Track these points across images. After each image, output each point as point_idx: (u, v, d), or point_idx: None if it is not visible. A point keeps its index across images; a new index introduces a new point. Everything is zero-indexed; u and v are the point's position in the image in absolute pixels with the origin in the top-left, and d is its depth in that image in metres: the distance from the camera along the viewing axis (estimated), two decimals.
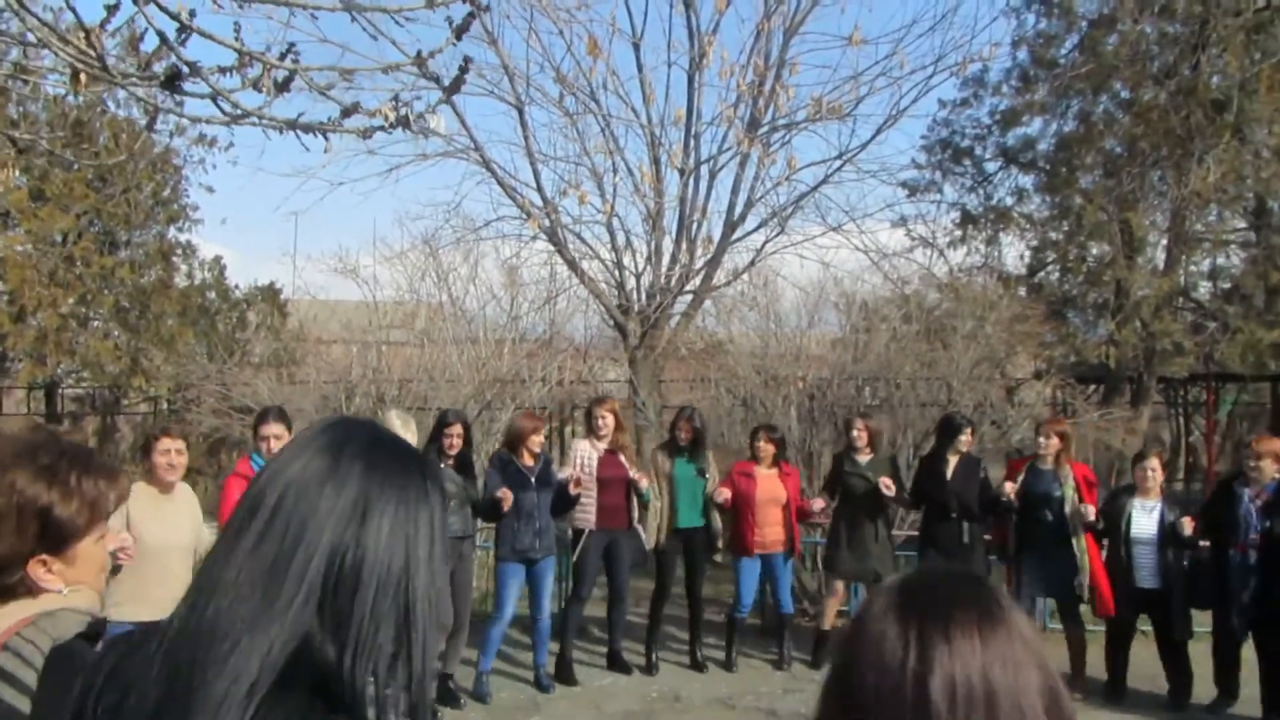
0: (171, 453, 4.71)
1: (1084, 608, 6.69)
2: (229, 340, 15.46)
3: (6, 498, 1.53)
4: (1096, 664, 6.75)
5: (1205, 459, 16.07)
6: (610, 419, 6.95)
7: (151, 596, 4.25)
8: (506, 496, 6.20)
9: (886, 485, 6.98)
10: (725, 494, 7.05)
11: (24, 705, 1.40)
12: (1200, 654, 6.48)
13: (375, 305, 11.71)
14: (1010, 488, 6.70)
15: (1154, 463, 6.52)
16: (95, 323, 14.88)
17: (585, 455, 6.88)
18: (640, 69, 11.54)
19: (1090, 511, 6.44)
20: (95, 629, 1.54)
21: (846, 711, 0.93)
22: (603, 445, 6.90)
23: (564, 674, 6.86)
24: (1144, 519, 6.39)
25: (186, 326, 14.84)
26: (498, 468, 6.50)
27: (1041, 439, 6.78)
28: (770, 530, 7.09)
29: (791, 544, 7.24)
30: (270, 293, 16.71)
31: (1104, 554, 6.62)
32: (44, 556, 1.55)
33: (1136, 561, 6.35)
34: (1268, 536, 5.94)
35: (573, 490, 6.49)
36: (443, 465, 6.19)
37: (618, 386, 13.23)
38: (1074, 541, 6.51)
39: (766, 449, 7.14)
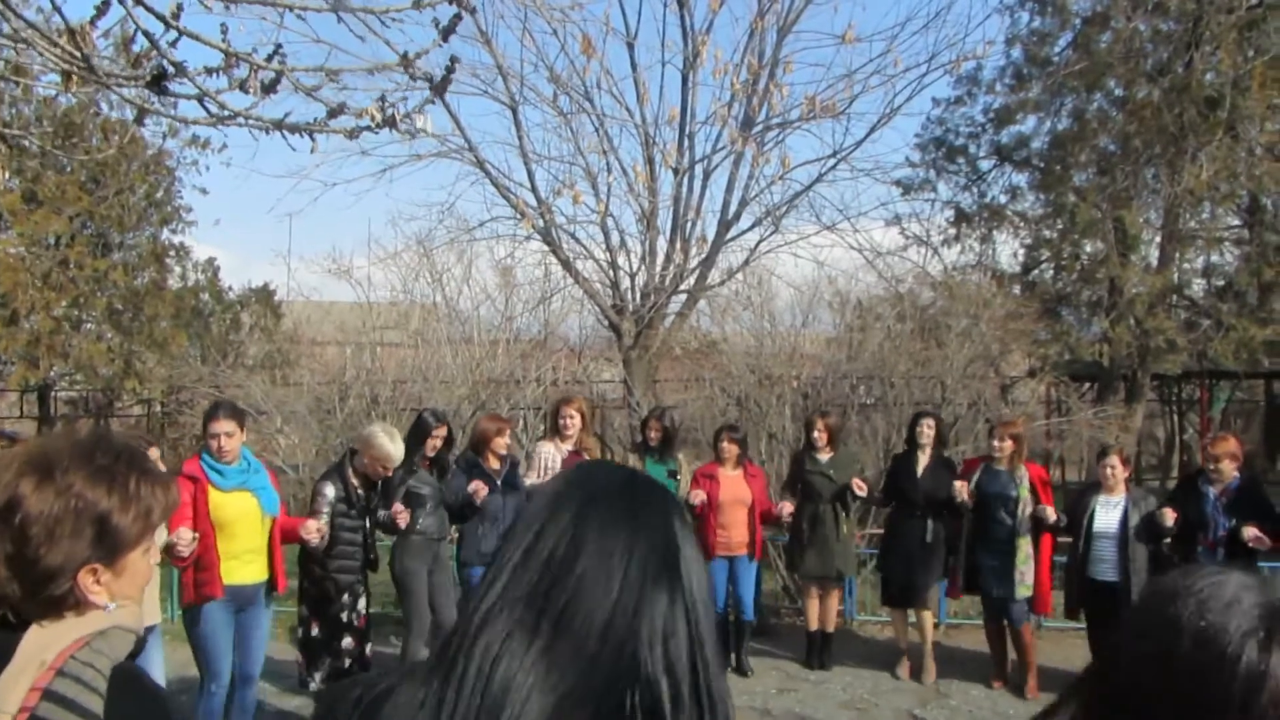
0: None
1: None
2: (222, 342, 15.46)
3: (64, 500, 1.42)
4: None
5: (1199, 456, 16.08)
6: (577, 419, 6.78)
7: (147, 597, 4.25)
8: (480, 489, 6.01)
9: (859, 486, 6.94)
10: (701, 495, 6.89)
11: None
12: None
13: (369, 306, 11.71)
14: (961, 486, 6.72)
15: (1114, 459, 6.55)
16: (88, 325, 14.84)
17: (549, 457, 6.68)
18: (634, 68, 11.54)
19: (1050, 513, 6.48)
20: (139, 647, 1.48)
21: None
22: (567, 446, 6.72)
23: None
24: (1106, 514, 6.43)
25: (180, 329, 14.81)
26: (464, 470, 6.30)
27: (995, 441, 6.81)
28: (735, 531, 6.96)
29: (754, 546, 7.06)
30: (264, 294, 16.69)
31: (1067, 552, 6.67)
32: (95, 566, 1.45)
33: (1096, 554, 6.39)
34: (1231, 534, 6.01)
35: (478, 500, 6.07)
36: (418, 468, 6.02)
37: (612, 387, 13.23)
38: (1020, 541, 6.55)
39: (730, 449, 7.04)
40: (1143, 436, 15.19)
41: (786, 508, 7.08)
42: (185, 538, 4.58)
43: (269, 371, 12.05)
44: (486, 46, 10.91)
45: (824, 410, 7.96)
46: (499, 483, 6.26)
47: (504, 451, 6.40)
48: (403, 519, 5.71)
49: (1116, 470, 6.51)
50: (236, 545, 4.91)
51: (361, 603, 5.54)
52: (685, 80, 11.53)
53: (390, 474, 5.61)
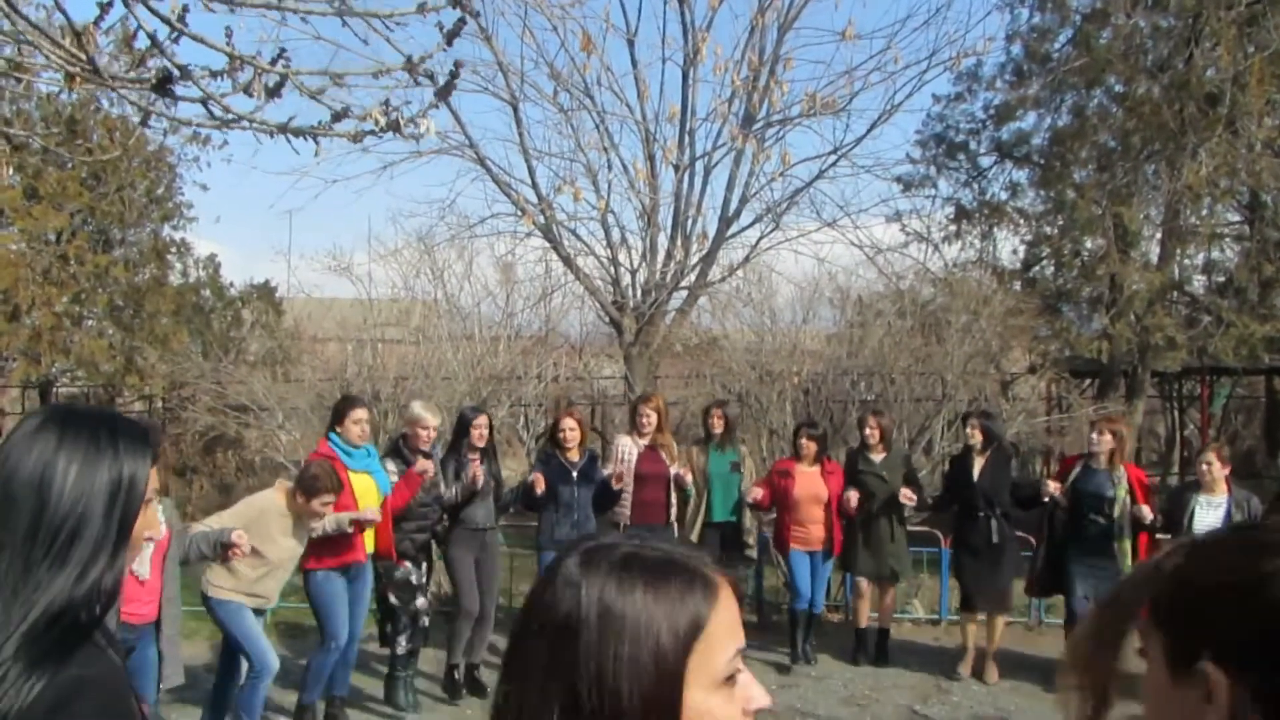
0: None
1: None
2: (224, 339, 15.47)
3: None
4: None
5: (1199, 453, 16.09)
6: (654, 417, 7.02)
7: None
8: (538, 480, 6.45)
9: (908, 498, 6.95)
10: (757, 493, 7.04)
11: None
12: None
13: (370, 303, 11.70)
14: (1055, 486, 6.55)
15: (1210, 456, 6.30)
16: (89, 321, 14.85)
17: (626, 451, 6.99)
18: (635, 65, 11.54)
19: (1146, 512, 6.28)
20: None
21: None
22: (644, 442, 7.00)
23: None
24: (1208, 515, 6.15)
25: (181, 325, 14.82)
26: (541, 461, 6.76)
27: (1095, 435, 6.61)
28: (813, 529, 7.08)
29: (832, 543, 7.15)
30: (265, 291, 16.70)
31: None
32: None
33: None
34: None
35: (615, 485, 6.62)
36: (471, 457, 6.43)
37: (613, 383, 13.24)
38: (1117, 544, 6.38)
39: (809, 447, 7.09)
40: (1144, 433, 15.19)
41: (853, 497, 7.01)
42: (376, 515, 5.65)
43: (270, 368, 12.03)
44: (487, 43, 10.92)
45: (876, 408, 7.94)
46: (575, 474, 6.59)
47: (572, 444, 6.70)
48: (479, 475, 6.27)
49: (1214, 468, 6.24)
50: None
51: (423, 572, 6.25)
52: (686, 77, 11.54)
53: (428, 438, 6.16)
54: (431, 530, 6.35)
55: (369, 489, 5.78)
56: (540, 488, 6.45)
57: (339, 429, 5.80)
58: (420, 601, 6.16)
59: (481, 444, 6.50)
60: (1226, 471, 6.31)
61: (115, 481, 1.45)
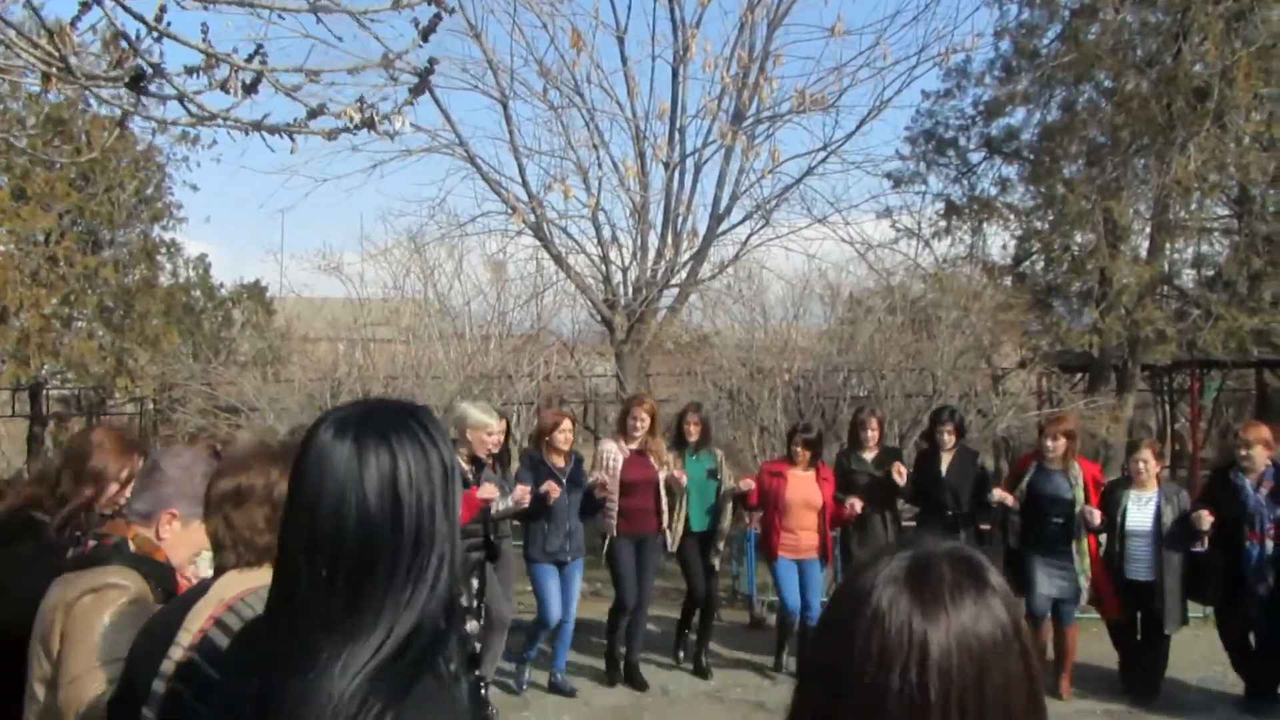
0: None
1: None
2: (214, 339, 15.45)
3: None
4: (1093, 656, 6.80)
5: (1191, 445, 16.16)
6: (646, 421, 6.63)
7: None
8: (553, 490, 6.00)
9: (899, 471, 6.69)
10: (749, 484, 6.74)
11: None
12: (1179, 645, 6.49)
13: (361, 302, 11.69)
14: (1000, 494, 6.48)
15: (1146, 454, 6.32)
16: (79, 323, 14.81)
17: (610, 455, 6.59)
18: (624, 62, 11.54)
19: (1096, 516, 6.21)
20: None
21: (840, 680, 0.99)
22: (631, 446, 6.62)
23: (633, 678, 6.67)
24: (1139, 511, 6.21)
25: (171, 326, 14.78)
26: (529, 468, 6.30)
27: (1049, 441, 6.50)
28: (804, 535, 6.70)
29: (825, 551, 6.82)
30: (256, 291, 16.68)
31: (1101, 550, 6.44)
32: None
33: (1130, 554, 6.18)
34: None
35: (598, 494, 6.33)
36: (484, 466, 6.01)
37: (605, 381, 13.24)
38: (1075, 544, 6.34)
39: (803, 455, 6.75)
40: (1135, 426, 15.22)
41: (856, 504, 6.72)
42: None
43: (261, 368, 12.00)
44: (476, 41, 10.91)
45: (873, 408, 7.56)
46: (564, 480, 6.19)
47: (566, 446, 6.33)
48: (553, 492, 5.93)
49: (1149, 465, 6.28)
50: None
51: (474, 592, 5.50)
52: (675, 74, 11.54)
53: (495, 443, 5.71)
54: (486, 545, 5.65)
55: None
56: (555, 495, 6.02)
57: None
58: (471, 625, 5.44)
59: (496, 450, 5.99)
60: (1159, 468, 6.37)
61: (445, 472, 1.35)
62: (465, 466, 5.36)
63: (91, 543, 2.27)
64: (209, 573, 2.72)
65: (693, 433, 6.88)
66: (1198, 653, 6.84)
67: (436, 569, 1.29)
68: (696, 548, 6.84)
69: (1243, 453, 6.03)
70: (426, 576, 1.28)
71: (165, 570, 2.30)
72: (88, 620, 2.12)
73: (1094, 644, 6.96)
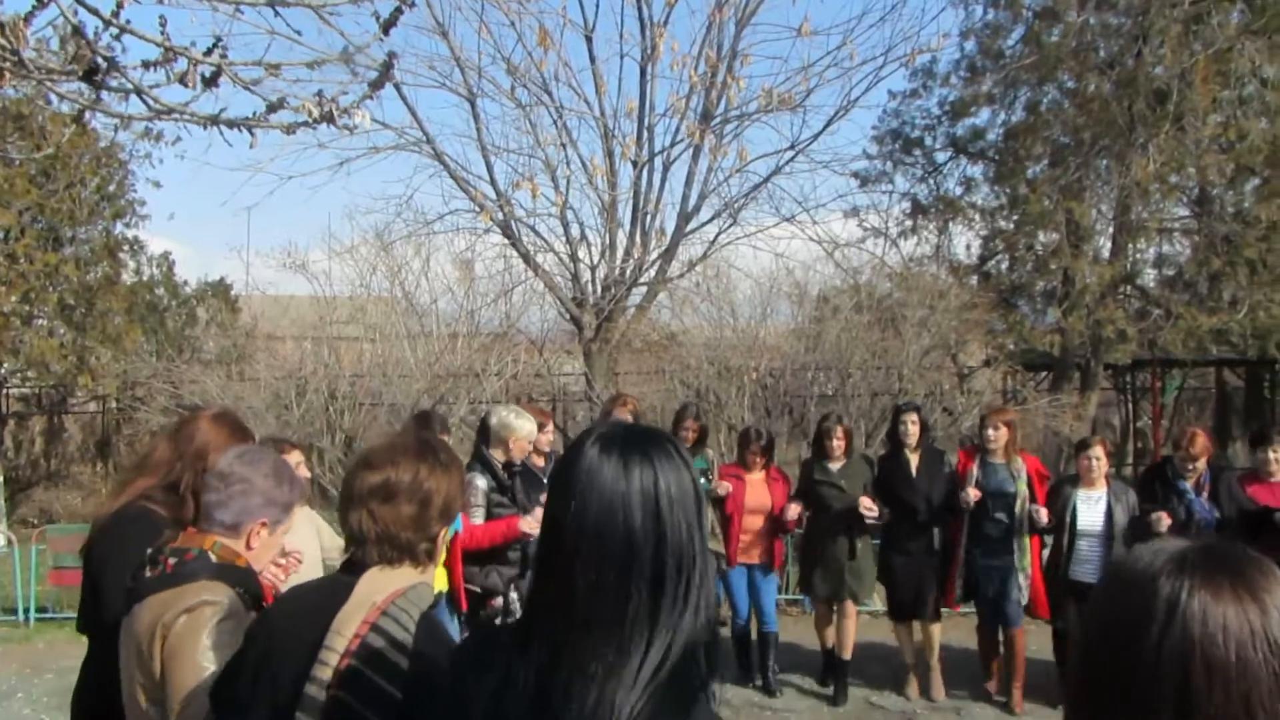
0: None
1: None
2: (178, 337, 15.26)
3: (452, 482, 1.97)
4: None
5: (1153, 443, 16.40)
6: (629, 420, 6.33)
7: None
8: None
9: (867, 508, 6.35)
10: (726, 486, 6.54)
11: (404, 662, 1.74)
12: None
13: (327, 301, 11.61)
14: (973, 494, 6.23)
15: (1099, 451, 6.13)
16: (39, 321, 14.55)
17: None
18: (593, 60, 11.55)
19: (1044, 515, 6.05)
20: (438, 603, 1.93)
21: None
22: None
23: None
24: (1089, 511, 6.06)
25: (134, 324, 14.57)
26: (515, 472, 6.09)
27: (990, 431, 6.30)
28: (754, 539, 6.60)
29: (772, 556, 6.69)
30: (220, 289, 16.49)
31: (1046, 549, 6.27)
32: (440, 532, 1.95)
33: (1079, 555, 6.01)
34: (1219, 525, 5.80)
35: None
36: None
37: (573, 379, 13.23)
38: (1016, 541, 6.15)
39: (755, 462, 6.66)
40: (1099, 424, 15.43)
41: (793, 510, 6.54)
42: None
43: (225, 367, 11.89)
44: (443, 38, 10.88)
45: (839, 416, 7.11)
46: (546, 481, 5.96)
47: (548, 448, 6.07)
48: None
49: (1101, 463, 6.10)
50: None
51: (515, 602, 5.18)
52: (643, 73, 11.56)
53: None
54: (524, 553, 5.25)
55: None
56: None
57: None
58: None
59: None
60: (1108, 466, 6.21)
61: (698, 495, 1.37)
62: (500, 473, 5.18)
63: (172, 560, 2.24)
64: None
65: (690, 439, 6.73)
66: None
67: (699, 587, 1.31)
68: None
69: (1189, 466, 5.95)
70: (691, 594, 1.30)
71: (250, 576, 2.31)
72: (189, 642, 2.11)
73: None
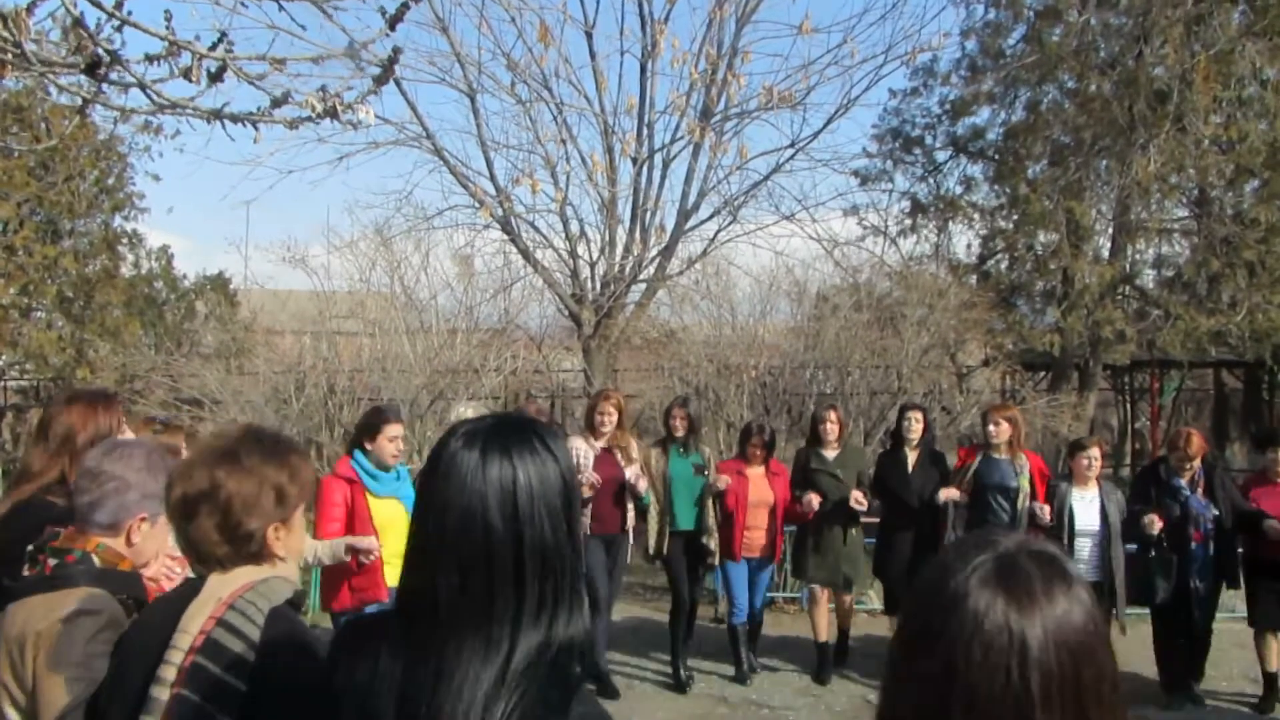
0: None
1: None
2: (177, 331, 15.25)
3: (254, 478, 1.82)
4: None
5: (1151, 444, 16.41)
6: (614, 416, 6.42)
7: None
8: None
9: (858, 501, 6.46)
10: (726, 480, 6.47)
11: (249, 655, 1.69)
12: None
13: (326, 295, 11.60)
14: (949, 493, 6.34)
15: (1095, 451, 6.19)
16: (38, 313, 14.55)
17: (580, 454, 6.23)
18: (593, 57, 11.54)
19: (1046, 513, 6.08)
20: (298, 598, 1.85)
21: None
22: (600, 444, 6.39)
23: (604, 689, 6.36)
24: (1085, 511, 6.11)
25: (133, 317, 14.56)
26: None
27: (991, 427, 6.37)
28: (758, 534, 6.56)
29: (774, 550, 6.70)
30: (219, 282, 16.47)
31: None
32: (277, 525, 1.85)
33: (1077, 555, 5.97)
34: (1219, 523, 5.89)
35: (586, 492, 5.94)
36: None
37: (572, 376, 13.23)
38: None
39: (756, 455, 6.62)
40: (1097, 425, 15.43)
41: (814, 500, 6.49)
42: (373, 545, 4.58)
43: (224, 360, 11.86)
44: (443, 34, 10.86)
45: (832, 402, 7.23)
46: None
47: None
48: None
49: (1096, 463, 6.16)
50: (385, 552, 4.66)
51: None
52: (644, 69, 11.55)
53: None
54: None
55: (396, 518, 4.79)
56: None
57: (369, 445, 4.88)
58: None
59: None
60: (1101, 467, 6.28)
61: (565, 487, 1.36)
62: None
63: (52, 561, 2.14)
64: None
65: (679, 428, 6.66)
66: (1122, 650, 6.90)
67: (570, 585, 1.31)
68: (682, 549, 6.59)
69: (1185, 466, 6.01)
70: (563, 592, 1.30)
71: (134, 581, 2.21)
72: (64, 653, 2.02)
73: None
